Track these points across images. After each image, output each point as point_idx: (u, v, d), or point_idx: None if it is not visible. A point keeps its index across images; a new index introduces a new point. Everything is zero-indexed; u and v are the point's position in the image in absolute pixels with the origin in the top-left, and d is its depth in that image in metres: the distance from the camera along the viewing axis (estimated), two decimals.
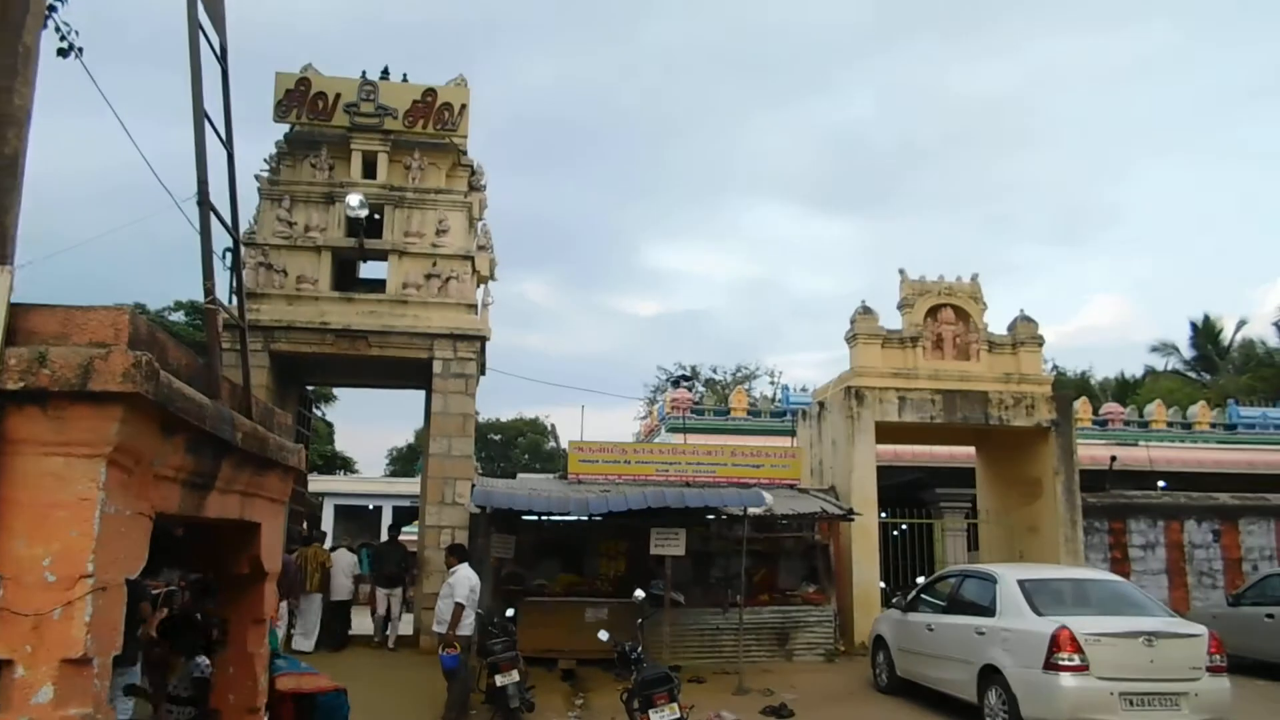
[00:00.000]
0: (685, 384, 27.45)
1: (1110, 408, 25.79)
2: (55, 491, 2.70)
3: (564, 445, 19.68)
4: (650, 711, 7.52)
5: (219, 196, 3.89)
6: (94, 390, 2.65)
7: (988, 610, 9.31)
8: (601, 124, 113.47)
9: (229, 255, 4.29)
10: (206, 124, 3.80)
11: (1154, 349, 39.43)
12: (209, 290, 3.64)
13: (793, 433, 19.04)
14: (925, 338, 16.01)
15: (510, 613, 10.72)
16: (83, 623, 2.64)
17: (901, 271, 16.31)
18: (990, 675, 8.86)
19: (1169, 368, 38.84)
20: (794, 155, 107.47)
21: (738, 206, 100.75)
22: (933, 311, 16.17)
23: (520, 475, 28.79)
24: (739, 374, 44.01)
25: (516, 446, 55.18)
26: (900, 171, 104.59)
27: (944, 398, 15.47)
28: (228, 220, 4.13)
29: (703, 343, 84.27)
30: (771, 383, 41.68)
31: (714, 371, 44.28)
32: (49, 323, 2.78)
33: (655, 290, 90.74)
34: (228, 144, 4.08)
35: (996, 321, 16.54)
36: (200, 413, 3.18)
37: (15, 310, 2.74)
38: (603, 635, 9.20)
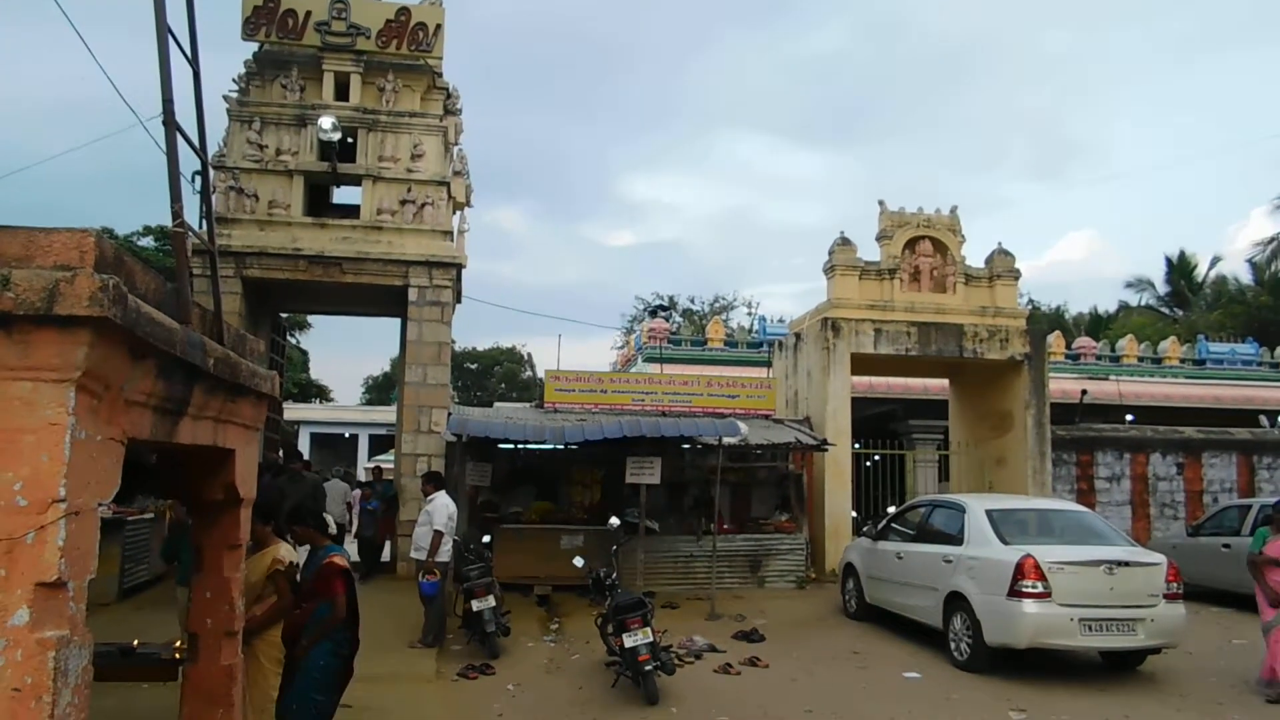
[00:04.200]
0: (663, 314, 27.45)
1: (1083, 342, 26.09)
2: (23, 416, 2.66)
3: (540, 375, 19.68)
4: (624, 635, 7.68)
5: (185, 117, 3.78)
6: (60, 314, 2.59)
7: (956, 539, 9.51)
8: (575, 52, 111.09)
9: (198, 179, 4.17)
10: (171, 40, 3.66)
11: (1129, 285, 39.82)
12: (177, 213, 3.55)
13: (769, 364, 19.14)
14: (903, 270, 16.05)
15: (486, 540, 10.84)
16: (56, 547, 2.63)
17: (881, 203, 16.26)
18: (956, 602, 9.10)
19: (1143, 303, 39.26)
20: (770, 86, 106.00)
21: (714, 137, 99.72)
22: (911, 244, 16.18)
23: (496, 404, 28.85)
24: (716, 305, 44.01)
25: (492, 375, 55.22)
26: (877, 105, 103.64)
27: (919, 330, 15.57)
28: (195, 141, 4.01)
29: (679, 274, 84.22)
30: (749, 314, 41.73)
31: (691, 302, 44.23)
32: (11, 245, 2.70)
33: (631, 221, 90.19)
34: (193, 61, 3.94)
35: (973, 255, 16.62)
36: (170, 338, 3.13)
37: None
38: (578, 562, 9.35)
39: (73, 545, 2.70)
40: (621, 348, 36.41)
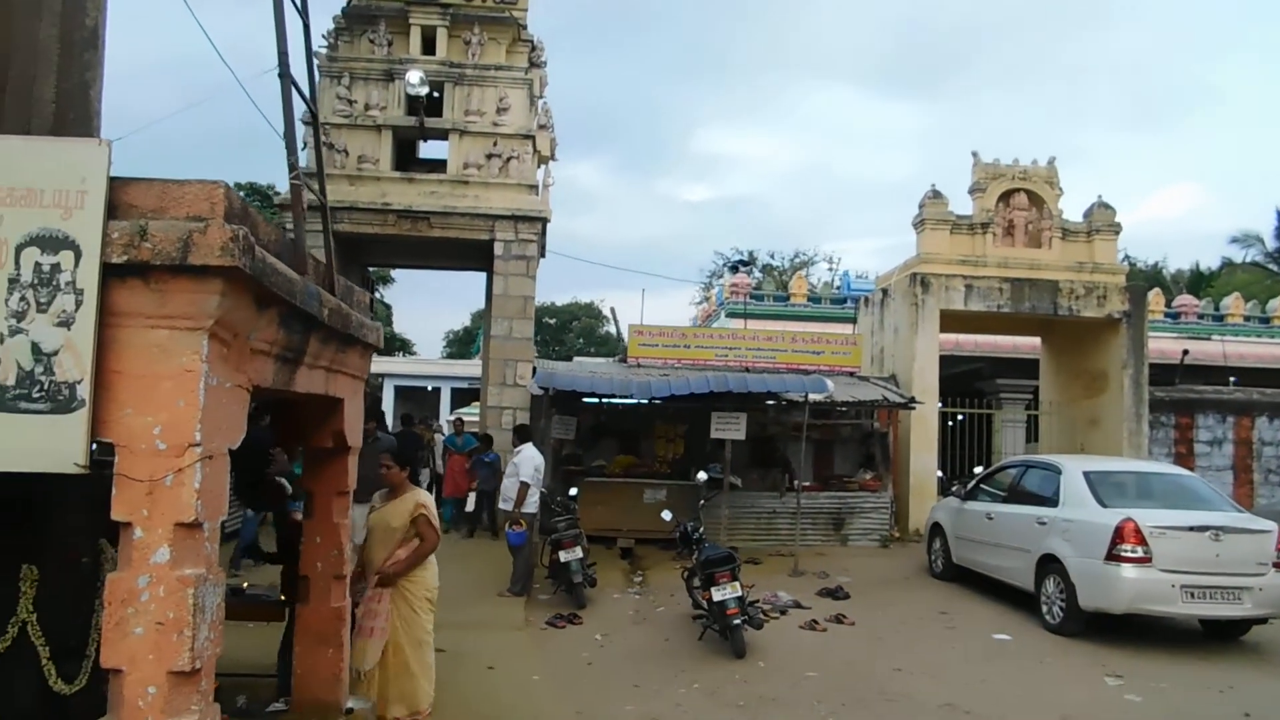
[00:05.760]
0: (744, 269, 27.16)
1: (1183, 300, 25.00)
2: (160, 363, 2.76)
3: (621, 330, 19.70)
4: (712, 589, 7.71)
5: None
6: (194, 264, 2.67)
7: (1050, 500, 9.28)
8: (647, 4, 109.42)
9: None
10: None
11: (1234, 240, 37.74)
12: (292, 165, 3.61)
13: (853, 320, 18.84)
14: (996, 224, 15.56)
15: (573, 492, 10.97)
16: (193, 489, 2.74)
17: (974, 154, 15.74)
18: (1049, 564, 8.91)
19: (1249, 260, 37.34)
20: (851, 34, 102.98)
21: (792, 89, 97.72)
22: (1005, 197, 15.66)
23: (576, 359, 29.08)
24: (797, 260, 43.45)
25: (570, 330, 55.58)
26: (962, 53, 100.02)
27: (1012, 286, 15.12)
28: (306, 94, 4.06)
29: (757, 229, 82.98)
30: (829, 269, 41.12)
31: (771, 258, 43.76)
32: (147, 196, 2.78)
33: (708, 176, 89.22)
34: (303, 13, 3.98)
35: (1068, 209, 15.99)
36: (291, 288, 3.20)
37: (114, 184, 2.75)
38: (666, 515, 9.40)
39: (207, 487, 2.81)
40: (701, 303, 36.29)
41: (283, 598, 5.76)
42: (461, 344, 54.45)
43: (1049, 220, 15.65)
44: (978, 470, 13.25)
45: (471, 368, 32.91)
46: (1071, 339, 16.29)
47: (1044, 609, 8.91)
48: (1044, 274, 15.37)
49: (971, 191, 15.80)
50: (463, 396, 37.06)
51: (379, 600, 5.36)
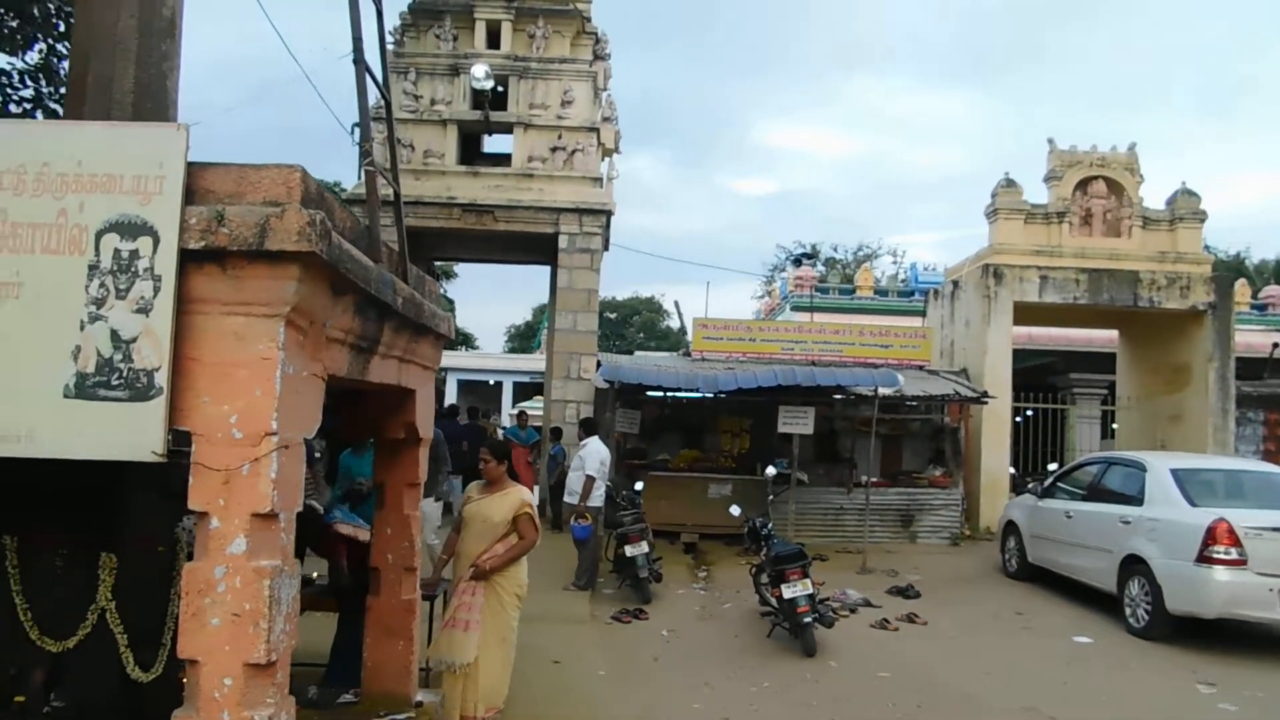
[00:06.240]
0: (808, 262, 26.80)
1: (1272, 291, 24.00)
2: (237, 351, 2.72)
3: (684, 324, 19.57)
4: (782, 586, 7.56)
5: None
6: (270, 249, 2.62)
7: (1135, 499, 8.93)
8: None
9: (357, 130, 4.15)
10: None
11: None
12: (366, 151, 3.57)
13: (921, 313, 18.47)
14: (1073, 213, 15.10)
15: (639, 487, 10.89)
16: (269, 479, 2.69)
17: (1050, 141, 15.28)
18: (1133, 565, 8.57)
19: None
20: (911, 23, 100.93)
21: (852, 81, 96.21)
22: (1082, 185, 15.18)
23: (638, 352, 29.01)
24: (860, 253, 42.83)
25: (631, 325, 55.60)
26: (1023, 42, 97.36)
27: (1090, 277, 14.63)
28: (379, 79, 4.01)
29: (817, 222, 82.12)
30: (893, 262, 40.48)
31: (834, 250, 43.21)
32: (224, 181, 2.74)
33: (767, 168, 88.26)
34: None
35: (1145, 197, 15.41)
36: (366, 275, 3.14)
37: (191, 169, 2.71)
38: (734, 510, 9.27)
39: (283, 477, 2.76)
40: (764, 296, 35.97)
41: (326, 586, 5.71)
42: (523, 338, 54.80)
43: (1129, 208, 15.12)
44: (1052, 467, 12.89)
45: (533, 361, 33.06)
46: (1152, 331, 15.73)
47: (1127, 611, 8.57)
48: (1124, 264, 14.86)
49: (1047, 179, 15.35)
50: (524, 390, 37.30)
51: (473, 593, 5.28)
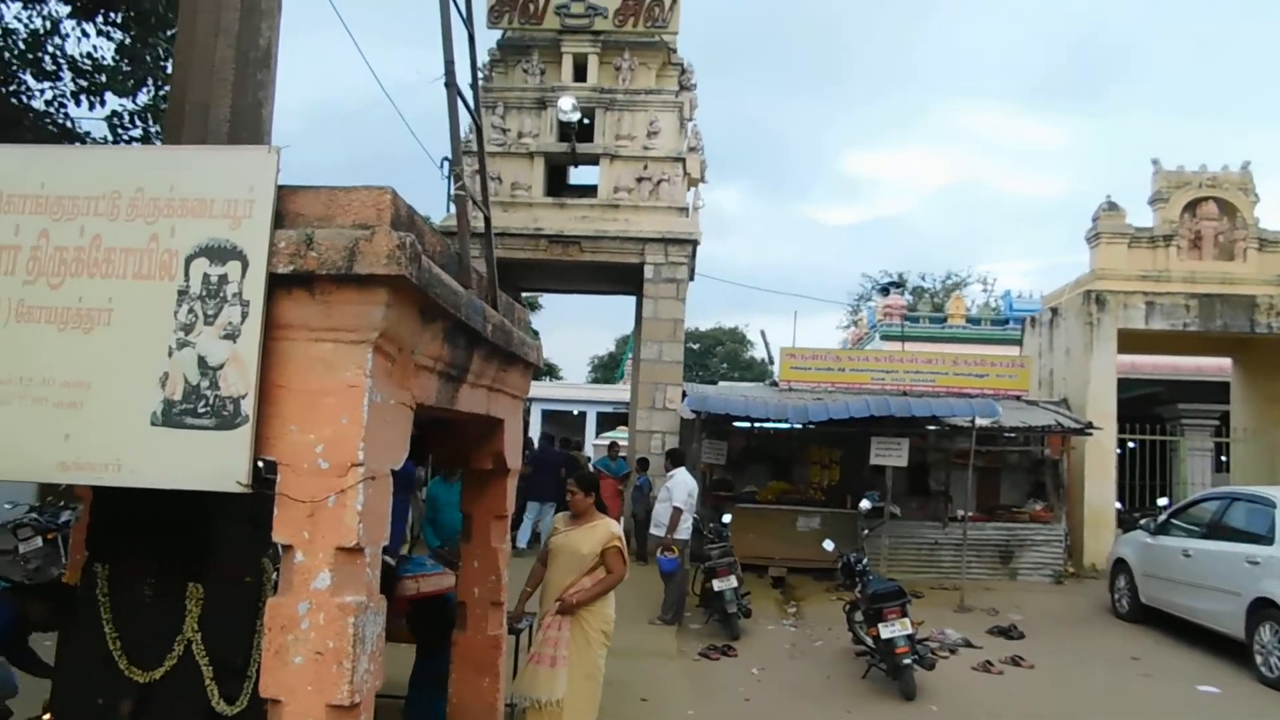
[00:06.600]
0: (895, 290, 26.25)
1: None
2: (324, 378, 2.64)
3: (773, 352, 19.30)
4: (880, 625, 7.24)
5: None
6: (359, 273, 2.54)
7: (1264, 538, 8.31)
8: (790, 24, 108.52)
9: (445, 164, 4.03)
10: (452, 6, 3.61)
11: None
12: (457, 175, 3.50)
13: (1016, 341, 17.82)
14: (1181, 235, 14.35)
15: (726, 519, 10.65)
16: (355, 511, 2.59)
17: (1155, 162, 14.61)
18: (1264, 609, 7.96)
19: None
20: (998, 50, 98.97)
21: (937, 108, 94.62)
22: (1190, 207, 14.44)
23: (721, 383, 28.73)
24: (949, 281, 41.79)
25: (714, 355, 55.30)
26: (1116, 67, 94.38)
27: (1200, 303, 13.89)
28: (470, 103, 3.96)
29: (902, 251, 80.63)
30: (984, 290, 39.33)
31: (922, 279, 42.24)
32: (314, 204, 2.69)
33: (852, 197, 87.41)
34: (468, 23, 3.89)
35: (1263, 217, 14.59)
36: (456, 300, 3.05)
37: (281, 192, 2.66)
38: (828, 545, 8.95)
39: (369, 510, 2.66)
40: (850, 326, 35.36)
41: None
42: (606, 368, 54.98)
43: (1243, 230, 14.31)
44: (1163, 502, 12.18)
45: (616, 392, 33.11)
46: (1270, 359, 14.84)
47: (1258, 659, 7.95)
48: (1238, 288, 14.06)
49: (1152, 202, 14.67)
50: (608, 420, 37.33)
51: (559, 627, 5.12)
